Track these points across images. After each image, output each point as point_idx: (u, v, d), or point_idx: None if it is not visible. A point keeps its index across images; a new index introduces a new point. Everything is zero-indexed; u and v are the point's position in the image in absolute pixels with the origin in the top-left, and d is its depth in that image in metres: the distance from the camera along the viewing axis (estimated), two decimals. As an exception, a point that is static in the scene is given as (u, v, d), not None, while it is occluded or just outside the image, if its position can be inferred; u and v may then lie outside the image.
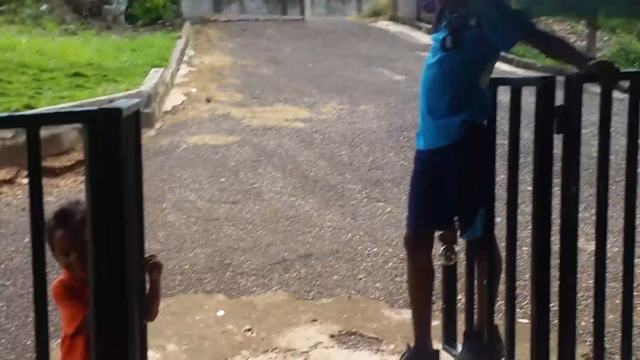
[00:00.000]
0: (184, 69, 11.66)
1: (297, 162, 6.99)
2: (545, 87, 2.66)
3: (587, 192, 5.43)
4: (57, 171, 6.39)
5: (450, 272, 3.40)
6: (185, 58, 12.58)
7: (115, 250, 1.82)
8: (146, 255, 2.28)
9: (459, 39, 2.97)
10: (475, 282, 3.24)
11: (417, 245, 3.20)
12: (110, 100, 7.55)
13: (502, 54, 12.85)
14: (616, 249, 4.06)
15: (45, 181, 6.23)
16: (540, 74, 12.61)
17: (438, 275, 3.41)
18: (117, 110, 1.80)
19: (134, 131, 2.06)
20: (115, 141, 1.78)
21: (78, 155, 6.59)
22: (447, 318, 3.42)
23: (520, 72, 13.38)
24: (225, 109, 9.10)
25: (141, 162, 2.18)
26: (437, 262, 3.35)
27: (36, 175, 1.74)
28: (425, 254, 3.19)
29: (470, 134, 2.99)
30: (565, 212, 2.74)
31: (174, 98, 9.61)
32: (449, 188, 3.06)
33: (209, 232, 5.21)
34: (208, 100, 9.53)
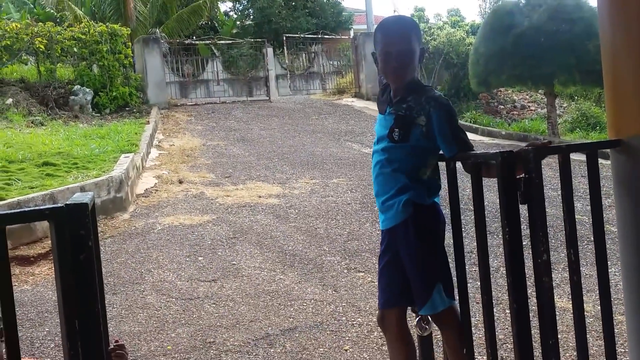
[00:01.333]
0: (154, 153, 11.69)
1: (274, 237, 6.97)
2: (504, 162, 2.72)
3: (565, 253, 5.50)
4: (31, 259, 6.29)
5: (426, 343, 3.40)
6: (155, 142, 12.63)
7: (90, 343, 1.80)
8: (111, 344, 2.28)
9: (407, 134, 3.03)
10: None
11: (389, 323, 3.19)
12: (82, 188, 7.52)
13: (467, 123, 13.23)
14: (599, 306, 4.08)
15: (20, 270, 6.15)
16: (505, 141, 12.98)
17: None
18: (84, 205, 1.81)
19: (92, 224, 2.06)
20: (83, 236, 1.80)
21: (47, 243, 6.50)
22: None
23: (486, 140, 13.69)
24: (198, 189, 9.10)
25: (99, 252, 2.18)
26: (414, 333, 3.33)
27: (5, 273, 1.73)
28: (399, 331, 3.18)
29: (415, 213, 3.03)
30: (539, 279, 2.78)
31: (146, 181, 9.60)
32: (405, 266, 3.09)
33: (190, 311, 5.12)
34: (180, 182, 9.54)
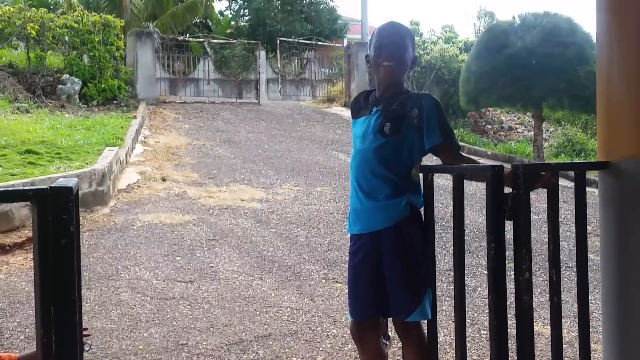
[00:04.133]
0: (139, 148, 11.62)
1: (254, 242, 6.94)
2: (494, 176, 2.72)
3: (542, 277, 5.51)
4: (7, 247, 6.20)
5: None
6: (141, 137, 12.55)
7: (64, 330, 1.76)
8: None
9: (398, 127, 3.03)
10: None
11: (368, 336, 3.14)
12: (64, 178, 7.44)
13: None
14: (574, 333, 4.09)
15: (-6, 258, 6.05)
16: (490, 162, 13.04)
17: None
18: (68, 189, 1.77)
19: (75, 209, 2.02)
20: (65, 220, 1.75)
21: (29, 232, 6.43)
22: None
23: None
24: (181, 188, 9.05)
25: (79, 240, 2.13)
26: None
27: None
28: (371, 342, 3.14)
29: (412, 215, 3.03)
30: (520, 297, 2.77)
31: (129, 176, 9.52)
32: (389, 271, 3.01)
33: (164, 312, 5.07)
34: (163, 179, 9.47)
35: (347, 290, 3.25)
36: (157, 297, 5.39)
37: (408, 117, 3.03)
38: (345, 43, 24.01)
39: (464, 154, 3.16)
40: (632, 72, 2.88)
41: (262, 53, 21.16)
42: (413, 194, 3.06)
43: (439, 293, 4.76)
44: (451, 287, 5.26)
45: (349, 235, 3.28)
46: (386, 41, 3.11)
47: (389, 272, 3.01)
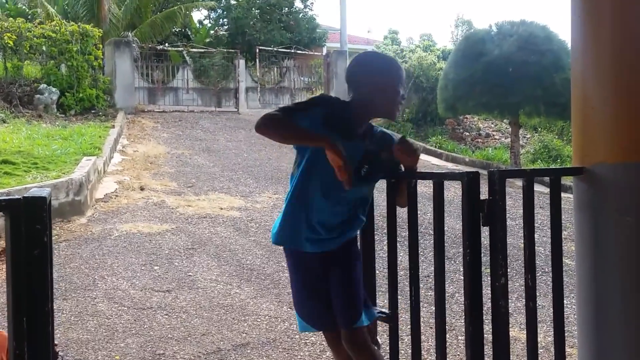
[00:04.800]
0: (117, 158, 11.55)
1: (233, 251, 6.92)
2: (469, 182, 2.74)
3: (520, 282, 5.55)
4: (-19, 259, 6.13)
5: None
6: (119, 147, 12.47)
7: (37, 342, 1.74)
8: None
9: (373, 169, 3.00)
10: None
11: (334, 343, 3.14)
12: (40, 188, 7.38)
13: (432, 147, 13.37)
14: (550, 338, 4.11)
15: (-33, 269, 5.96)
16: (468, 168, 13.11)
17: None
18: (41, 199, 1.75)
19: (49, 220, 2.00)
20: (39, 230, 1.73)
21: (2, 242, 6.36)
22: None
23: (449, 166, 13.81)
24: (159, 197, 9.00)
25: (52, 252, 2.11)
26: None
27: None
28: (339, 354, 3.14)
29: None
30: (495, 302, 2.79)
31: (107, 186, 9.46)
32: (334, 284, 3.00)
33: (142, 322, 5.04)
34: (142, 189, 9.42)
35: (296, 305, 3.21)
36: (134, 306, 5.35)
37: (382, 159, 3.03)
38: (325, 51, 24.07)
39: None
40: (606, 79, 2.92)
41: (242, 62, 21.14)
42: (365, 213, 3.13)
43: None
44: (429, 294, 5.27)
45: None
46: (403, 90, 3.03)
47: (333, 286, 3.01)
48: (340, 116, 2.93)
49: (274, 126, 2.86)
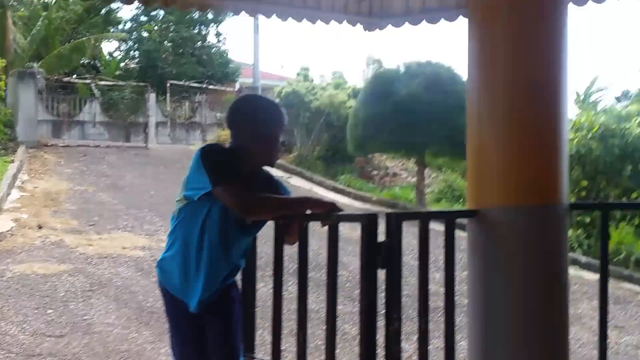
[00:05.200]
0: (15, 194, 11.08)
1: (133, 292, 6.70)
2: (368, 225, 2.73)
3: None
4: None
5: None
6: (18, 182, 11.99)
7: None
8: None
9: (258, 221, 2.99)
10: None
11: None
12: None
13: (341, 185, 13.42)
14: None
15: None
16: (375, 207, 13.25)
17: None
18: None
19: None
20: None
21: None
22: None
23: (357, 204, 13.89)
24: (58, 236, 8.66)
25: None
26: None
27: None
28: None
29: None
30: (388, 347, 2.77)
31: (2, 224, 9.05)
32: (210, 330, 2.98)
33: (30, 370, 4.78)
34: (40, 227, 9.04)
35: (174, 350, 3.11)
36: (22, 353, 5.08)
37: None
38: (237, 87, 24.04)
39: None
40: (499, 125, 3.01)
41: (152, 96, 20.84)
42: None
43: (319, 341, 4.70)
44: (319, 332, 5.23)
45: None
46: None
47: (209, 331, 2.97)
48: (235, 163, 2.91)
49: (264, 206, 2.91)
